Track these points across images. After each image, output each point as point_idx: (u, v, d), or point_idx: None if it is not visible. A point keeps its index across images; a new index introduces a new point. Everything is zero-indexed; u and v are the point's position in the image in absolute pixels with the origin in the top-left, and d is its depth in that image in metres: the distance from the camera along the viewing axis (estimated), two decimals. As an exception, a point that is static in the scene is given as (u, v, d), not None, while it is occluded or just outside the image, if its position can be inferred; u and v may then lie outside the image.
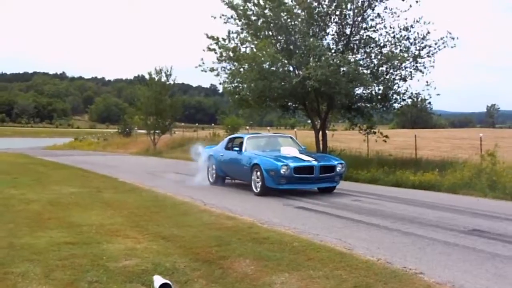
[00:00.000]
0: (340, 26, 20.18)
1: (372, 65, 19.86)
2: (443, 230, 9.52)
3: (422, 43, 19.33)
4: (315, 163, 14.15)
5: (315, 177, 14.12)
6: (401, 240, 8.74)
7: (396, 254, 7.64)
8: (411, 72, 19.72)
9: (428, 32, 19.17)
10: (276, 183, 13.89)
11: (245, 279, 6.30)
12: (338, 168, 14.50)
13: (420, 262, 7.21)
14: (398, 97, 20.40)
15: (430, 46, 19.32)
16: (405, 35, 19.52)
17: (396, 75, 19.92)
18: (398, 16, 19.56)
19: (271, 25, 19.65)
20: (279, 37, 20.04)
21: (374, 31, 20.02)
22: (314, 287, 6.05)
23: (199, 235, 8.50)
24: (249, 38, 19.82)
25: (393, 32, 19.74)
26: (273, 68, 19.30)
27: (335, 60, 18.16)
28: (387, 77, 19.78)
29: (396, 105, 21.15)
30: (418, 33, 19.37)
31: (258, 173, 14.21)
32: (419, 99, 21.44)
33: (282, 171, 13.66)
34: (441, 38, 19.12)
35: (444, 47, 19.22)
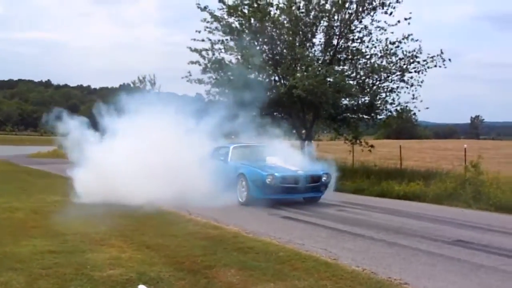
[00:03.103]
0: (328, 37, 20.26)
1: (359, 76, 19.96)
2: (427, 240, 9.56)
3: (412, 59, 19.40)
4: (301, 172, 14.01)
5: (301, 187, 13.92)
6: (386, 251, 8.77)
7: (381, 265, 7.66)
8: (397, 86, 19.84)
9: (419, 48, 19.28)
10: (262, 193, 13.75)
11: (231, 289, 6.30)
12: (324, 178, 14.35)
13: (405, 273, 7.23)
14: (383, 108, 20.49)
15: (418, 63, 19.40)
16: (392, 49, 19.60)
17: (383, 87, 20.03)
18: (385, 30, 19.68)
19: (257, 35, 19.69)
20: (264, 47, 20.08)
21: (361, 42, 20.13)
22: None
23: (184, 245, 8.47)
24: (234, 49, 19.84)
25: (380, 45, 19.87)
26: (260, 78, 19.35)
27: (322, 70, 18.24)
28: (373, 88, 19.89)
29: (381, 116, 21.26)
30: (407, 50, 19.47)
31: (244, 182, 14.11)
32: (405, 111, 21.56)
33: (267, 180, 13.54)
34: (432, 57, 19.23)
35: (435, 66, 19.31)
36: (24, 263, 7.07)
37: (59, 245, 8.25)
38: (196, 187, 13.61)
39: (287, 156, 15.16)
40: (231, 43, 20.03)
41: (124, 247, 8.22)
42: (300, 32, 19.88)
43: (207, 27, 19.99)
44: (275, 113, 22.11)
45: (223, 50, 20.04)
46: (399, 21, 19.36)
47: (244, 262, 7.35)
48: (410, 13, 19.32)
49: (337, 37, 20.20)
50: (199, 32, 20.13)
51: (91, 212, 11.43)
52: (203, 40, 20.02)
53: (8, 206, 12.57)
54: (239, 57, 19.73)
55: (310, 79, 17.75)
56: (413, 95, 19.78)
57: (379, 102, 20.25)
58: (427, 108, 20.75)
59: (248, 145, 17.03)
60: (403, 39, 19.41)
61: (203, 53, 19.97)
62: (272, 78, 20.13)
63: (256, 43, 20.03)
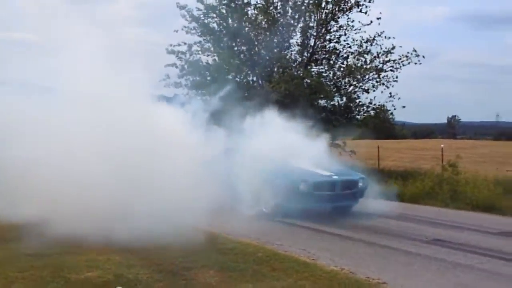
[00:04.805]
0: (304, 37, 20.32)
1: (335, 77, 20.05)
2: (405, 240, 9.62)
3: (387, 57, 19.58)
4: (336, 178, 12.11)
5: (337, 195, 12.04)
6: (364, 250, 8.80)
7: (359, 264, 7.69)
8: (373, 85, 19.96)
9: (393, 47, 19.46)
10: (293, 202, 11.58)
11: (209, 290, 6.28)
12: (360, 184, 12.54)
13: (383, 272, 7.27)
14: (361, 108, 20.60)
15: (394, 61, 19.59)
16: (367, 48, 19.77)
17: (359, 87, 20.14)
18: (360, 29, 19.83)
19: (235, 36, 19.68)
20: (242, 48, 20.07)
21: (337, 42, 20.23)
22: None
23: (163, 247, 8.41)
24: (212, 49, 19.80)
25: (355, 44, 20.01)
26: (237, 79, 19.34)
27: (298, 72, 18.30)
28: (350, 89, 20.00)
29: (358, 117, 21.34)
30: (381, 48, 19.64)
31: (269, 189, 11.97)
32: (382, 111, 21.68)
33: (301, 187, 11.57)
34: (406, 55, 19.43)
35: (409, 63, 19.53)
36: (-1, 266, 6.97)
37: (35, 247, 8.13)
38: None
39: (308, 157, 13.06)
40: (209, 44, 19.97)
41: (102, 249, 8.13)
42: (278, 33, 19.90)
43: (185, 27, 19.93)
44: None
45: (200, 52, 19.99)
46: (371, 21, 19.57)
47: (223, 263, 7.33)
48: (380, 13, 19.87)
49: (314, 37, 20.28)
50: (177, 31, 20.07)
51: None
52: (179, 45, 19.93)
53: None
54: (216, 58, 19.68)
55: (287, 83, 17.78)
56: (390, 93, 19.92)
57: (356, 102, 20.36)
58: (403, 107, 20.95)
59: None
60: (376, 37, 19.56)
61: (180, 54, 19.87)
62: (250, 79, 20.11)
63: (233, 44, 20.01)
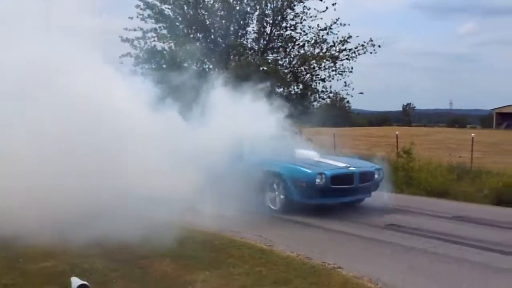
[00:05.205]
0: (261, 25, 20.28)
1: (292, 65, 20.08)
2: (361, 225, 9.75)
3: (343, 45, 19.65)
4: (353, 169, 11.35)
5: (354, 188, 11.25)
6: (320, 236, 8.91)
7: (315, 250, 7.77)
8: (329, 73, 20.04)
9: (349, 36, 19.53)
10: (307, 196, 10.83)
11: (165, 278, 6.26)
12: (376, 176, 11.78)
13: (339, 257, 7.36)
14: (317, 96, 20.70)
15: (350, 50, 19.68)
16: (323, 36, 19.80)
17: (316, 75, 20.20)
18: (315, 16, 19.83)
19: (191, 23, 19.52)
20: (198, 35, 19.94)
21: (293, 29, 20.22)
22: (234, 284, 6.07)
23: (120, 236, 8.32)
24: (168, 36, 19.58)
25: (312, 32, 20.02)
26: (194, 67, 19.19)
27: (255, 59, 18.27)
28: (307, 77, 20.05)
29: (314, 104, 21.43)
30: (337, 37, 19.70)
31: (279, 184, 11.12)
32: (338, 98, 21.83)
33: (317, 181, 10.72)
34: (362, 44, 19.54)
35: (364, 52, 19.62)
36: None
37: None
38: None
39: (311, 147, 12.62)
40: (164, 31, 19.75)
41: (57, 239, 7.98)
42: (234, 20, 19.82)
43: (140, 14, 19.64)
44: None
45: (156, 39, 19.77)
46: (327, 8, 19.55)
47: (179, 252, 7.29)
48: None
49: (270, 25, 20.25)
50: (132, 18, 19.76)
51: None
52: (135, 30, 19.64)
53: None
54: (172, 45, 19.48)
55: (244, 69, 17.73)
56: (345, 82, 20.04)
57: (312, 90, 20.43)
58: (361, 93, 21.03)
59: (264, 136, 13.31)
60: (332, 25, 19.60)
61: (135, 42, 19.62)
62: (206, 67, 20.00)
63: (189, 31, 19.86)
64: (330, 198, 11.02)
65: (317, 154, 11.97)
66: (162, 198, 8.58)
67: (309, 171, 10.83)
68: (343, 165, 11.39)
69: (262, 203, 11.18)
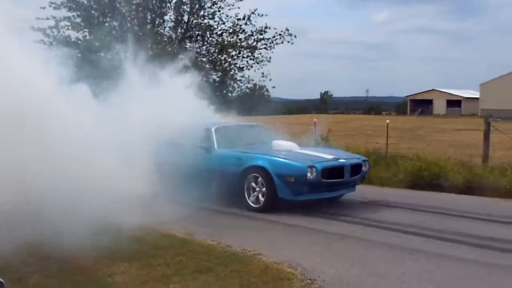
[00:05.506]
0: (178, 13, 20.12)
1: (210, 53, 20.06)
2: (284, 213, 9.73)
3: (261, 35, 19.79)
4: (343, 161, 10.49)
5: (345, 181, 10.42)
6: (242, 224, 8.96)
7: (236, 238, 7.80)
8: (247, 62, 20.15)
9: (267, 26, 19.68)
10: (295, 193, 9.85)
11: (83, 271, 6.15)
12: (363, 168, 10.99)
13: (259, 244, 7.41)
14: (235, 85, 20.82)
15: (267, 39, 19.84)
16: (241, 25, 19.87)
17: (234, 64, 20.27)
18: (233, 5, 19.87)
19: (106, 11, 19.12)
20: (114, 24, 19.56)
21: (211, 18, 20.18)
22: (154, 275, 6.03)
23: (34, 230, 8.08)
24: (82, 25, 19.09)
25: (230, 21, 20.05)
26: (109, 57, 18.81)
27: (172, 48, 18.11)
28: (225, 65, 20.09)
29: (233, 93, 21.55)
30: (255, 26, 19.81)
31: (260, 180, 9.99)
32: (257, 87, 22.02)
33: (308, 175, 9.72)
34: (279, 34, 19.73)
35: (282, 42, 19.84)
36: None
37: None
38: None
39: (285, 138, 11.72)
40: (78, 20, 19.24)
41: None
42: (151, 8, 19.56)
43: (52, 3, 19.03)
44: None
45: (69, 28, 19.21)
46: None
47: (98, 244, 7.14)
48: None
49: (188, 13, 20.13)
50: (44, 8, 19.12)
51: None
52: (47, 19, 19.02)
53: None
54: (87, 34, 19.02)
55: (161, 57, 17.55)
56: (263, 73, 20.24)
57: (231, 78, 20.52)
58: (273, 87, 21.54)
59: (236, 125, 12.47)
60: (250, 15, 19.71)
61: (48, 31, 19.00)
62: (122, 56, 19.63)
63: (105, 20, 19.44)
64: (319, 194, 10.16)
65: (296, 145, 11.13)
66: (92, 190, 8.28)
67: (299, 164, 9.82)
68: (331, 157, 10.53)
69: (240, 201, 10.23)
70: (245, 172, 10.15)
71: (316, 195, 10.10)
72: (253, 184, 10.10)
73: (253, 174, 10.07)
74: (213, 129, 11.03)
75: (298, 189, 9.80)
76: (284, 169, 9.83)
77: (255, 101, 22.56)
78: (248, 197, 10.14)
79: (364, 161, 11.05)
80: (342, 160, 10.46)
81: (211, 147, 10.81)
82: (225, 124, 11.83)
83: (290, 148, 10.87)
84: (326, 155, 10.56)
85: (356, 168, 10.60)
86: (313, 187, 9.84)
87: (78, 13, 19.11)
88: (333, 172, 10.06)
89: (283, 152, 10.52)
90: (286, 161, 9.99)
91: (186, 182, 10.08)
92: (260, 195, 10.02)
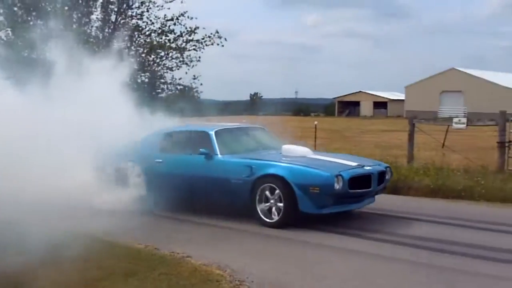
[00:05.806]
0: (105, 13, 19.82)
1: (138, 53, 19.86)
2: (212, 214, 9.63)
3: (190, 36, 19.72)
4: (370, 169, 9.29)
5: (371, 191, 9.22)
6: (171, 227, 8.87)
7: (165, 240, 7.73)
8: (176, 63, 20.06)
9: (196, 28, 19.63)
10: (319, 205, 8.57)
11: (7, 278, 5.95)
12: (387, 176, 9.80)
13: (188, 247, 7.35)
14: (164, 86, 20.71)
15: (197, 41, 19.80)
16: (170, 26, 19.77)
17: (163, 65, 20.15)
18: (162, 6, 19.75)
19: (30, 9, 18.63)
20: (39, 22, 19.07)
21: (139, 18, 19.99)
22: (82, 279, 5.90)
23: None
24: (5, 23, 18.54)
25: (158, 22, 19.92)
26: (34, 56, 18.33)
27: (99, 48, 17.82)
28: (154, 66, 19.95)
29: (163, 95, 21.41)
30: (185, 27, 19.73)
31: (278, 191, 8.63)
32: (187, 89, 21.92)
33: (336, 185, 8.44)
34: (209, 36, 19.73)
35: (212, 43, 19.85)
36: None
37: None
38: None
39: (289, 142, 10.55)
40: (0, 18, 18.68)
41: None
42: (77, 6, 19.16)
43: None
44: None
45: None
46: None
47: (29, 251, 6.84)
48: None
49: (115, 13, 19.86)
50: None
51: None
52: None
53: None
54: (9, 32, 18.48)
55: (88, 57, 17.23)
56: (194, 75, 20.23)
57: (160, 80, 20.40)
58: (201, 92, 21.46)
59: (234, 128, 11.11)
60: (179, 16, 19.63)
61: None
62: (47, 55, 19.18)
63: (29, 18, 18.92)
64: (344, 206, 8.96)
65: (310, 150, 10.02)
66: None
67: (325, 173, 8.51)
68: (355, 164, 9.32)
69: (251, 215, 8.99)
70: (256, 182, 8.86)
71: (341, 207, 8.88)
72: (268, 195, 8.77)
73: (268, 184, 8.75)
74: (212, 133, 9.79)
75: (323, 201, 8.56)
76: (307, 179, 8.54)
77: (185, 102, 22.40)
78: (259, 211, 8.86)
79: (387, 168, 9.86)
80: (369, 168, 9.29)
81: (211, 153, 9.53)
82: (225, 126, 10.66)
83: (304, 153, 9.67)
84: (349, 162, 9.38)
85: (382, 177, 9.48)
86: (338, 198, 8.65)
87: (0, 10, 18.56)
88: (360, 181, 8.83)
89: (299, 158, 9.25)
90: (309, 169, 8.69)
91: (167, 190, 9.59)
92: (274, 209, 8.73)
